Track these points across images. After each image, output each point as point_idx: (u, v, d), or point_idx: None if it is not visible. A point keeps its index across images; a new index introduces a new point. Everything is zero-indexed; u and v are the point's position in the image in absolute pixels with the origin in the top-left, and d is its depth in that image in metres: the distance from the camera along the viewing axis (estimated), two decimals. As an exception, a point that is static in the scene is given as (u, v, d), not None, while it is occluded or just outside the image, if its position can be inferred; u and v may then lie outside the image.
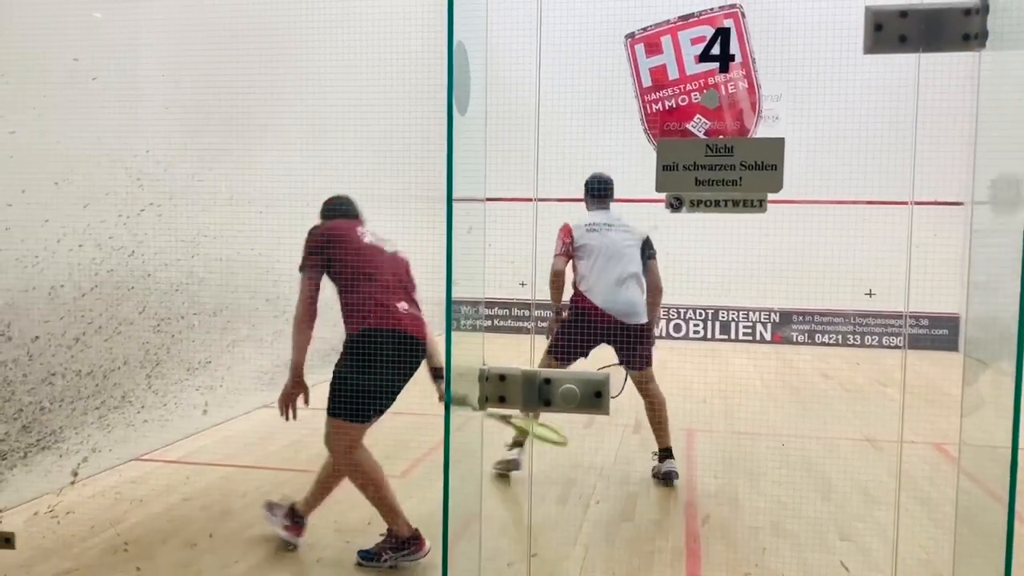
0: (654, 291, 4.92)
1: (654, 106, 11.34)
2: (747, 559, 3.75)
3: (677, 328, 11.44)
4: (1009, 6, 1.77)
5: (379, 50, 6.03)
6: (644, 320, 4.81)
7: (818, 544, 3.96)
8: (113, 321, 5.12)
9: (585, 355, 4.74)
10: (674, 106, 11.57)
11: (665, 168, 2.09)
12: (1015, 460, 1.70)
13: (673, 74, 11.01)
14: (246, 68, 6.40)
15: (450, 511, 2.07)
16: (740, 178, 2.05)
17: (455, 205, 1.94)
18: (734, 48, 11.33)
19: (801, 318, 10.94)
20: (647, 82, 11.22)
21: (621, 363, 4.76)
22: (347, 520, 4.18)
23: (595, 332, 4.63)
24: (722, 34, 1.96)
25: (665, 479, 4.81)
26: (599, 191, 4.98)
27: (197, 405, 6.08)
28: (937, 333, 10.18)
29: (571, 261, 4.89)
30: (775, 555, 3.80)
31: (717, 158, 2.05)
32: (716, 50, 2.02)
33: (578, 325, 4.65)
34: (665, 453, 4.90)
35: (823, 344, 10.96)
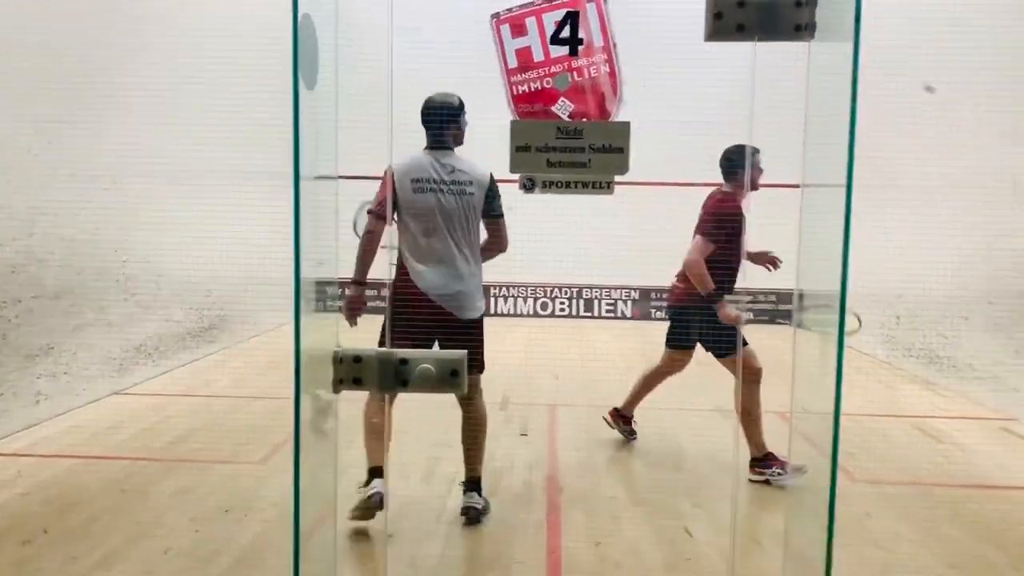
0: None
1: (520, 87, 11.40)
2: (603, 528, 3.89)
3: (544, 306, 11.64)
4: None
5: (237, 17, 5.78)
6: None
7: (671, 511, 4.15)
8: (-63, 306, 4.72)
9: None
10: (539, 88, 11.67)
11: (518, 149, 2.11)
12: (837, 421, 1.84)
13: (538, 56, 11.10)
14: (86, 31, 6.00)
15: (303, 497, 2.04)
16: (589, 160, 2.10)
17: (304, 183, 1.89)
18: (596, 33, 11.55)
19: (658, 295, 11.36)
20: (513, 63, 11.27)
21: None
22: (202, 509, 4.05)
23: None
24: (571, 17, 2.00)
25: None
26: None
27: (40, 393, 5.71)
28: (784, 308, 10.85)
29: None
30: (630, 523, 3.96)
31: (567, 140, 2.09)
32: (567, 33, 2.05)
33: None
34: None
35: (680, 320, 11.44)
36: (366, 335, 2.94)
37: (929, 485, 4.58)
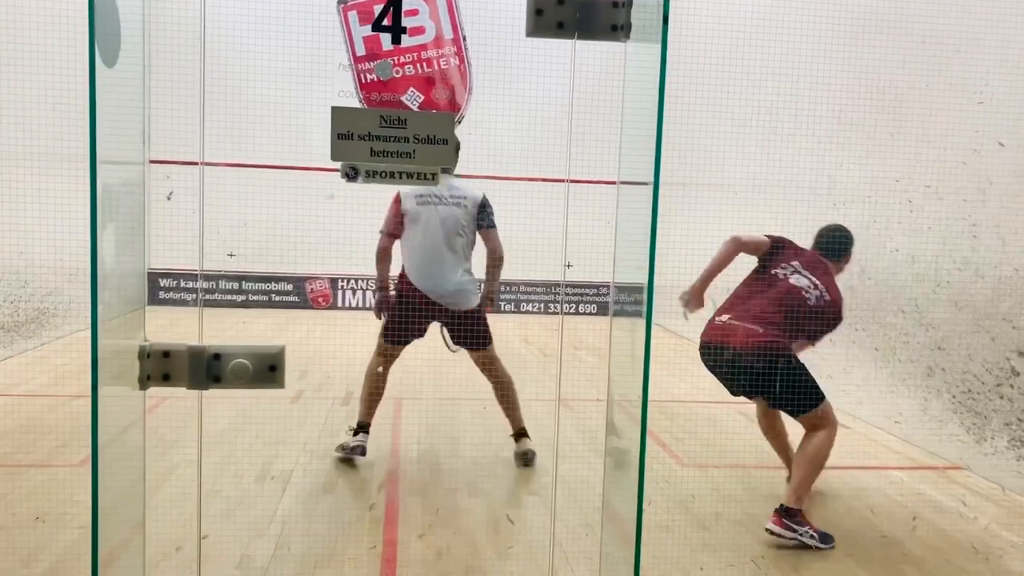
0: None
1: (368, 76, 11.20)
2: (441, 520, 3.90)
3: (393, 299, 11.55)
4: (648, 1, 1.95)
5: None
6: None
7: (509, 501, 4.21)
8: None
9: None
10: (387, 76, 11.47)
11: (340, 137, 2.07)
12: (645, 404, 1.92)
13: (387, 45, 10.93)
14: None
15: (108, 507, 1.92)
16: (414, 151, 2.08)
17: (104, 168, 1.77)
18: (446, 26, 11.47)
19: (507, 288, 11.51)
20: (361, 51, 11.05)
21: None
22: (9, 518, 3.75)
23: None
24: (394, 5, 1.97)
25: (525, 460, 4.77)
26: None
27: None
28: (626, 300, 11.28)
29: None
30: (466, 514, 3.98)
31: (391, 130, 2.07)
32: (403, 21, 2.03)
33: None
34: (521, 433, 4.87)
35: (526, 312, 11.65)
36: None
37: (751, 468, 4.87)
